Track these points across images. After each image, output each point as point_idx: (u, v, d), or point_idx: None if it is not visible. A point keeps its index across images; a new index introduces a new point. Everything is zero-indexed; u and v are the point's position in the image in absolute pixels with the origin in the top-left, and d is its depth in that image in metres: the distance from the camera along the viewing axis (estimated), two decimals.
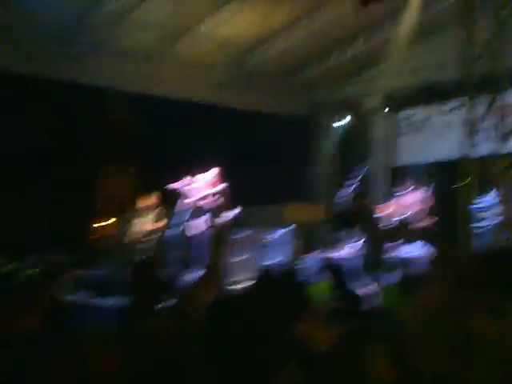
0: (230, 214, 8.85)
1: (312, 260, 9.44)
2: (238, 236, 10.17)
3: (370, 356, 2.37)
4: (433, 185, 10.08)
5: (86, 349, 2.35)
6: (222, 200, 7.96)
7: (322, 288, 6.48)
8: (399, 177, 10.91)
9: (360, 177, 9.06)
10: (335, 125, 12.49)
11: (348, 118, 12.21)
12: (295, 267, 6.86)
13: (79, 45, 9.10)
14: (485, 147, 8.56)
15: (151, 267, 3.69)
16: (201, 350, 2.11)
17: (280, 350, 2.48)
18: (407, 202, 10.12)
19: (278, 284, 4.23)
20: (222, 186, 8.00)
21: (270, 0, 8.76)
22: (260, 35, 9.35)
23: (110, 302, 5.30)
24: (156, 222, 9.46)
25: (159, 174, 11.49)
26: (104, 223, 13.06)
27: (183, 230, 8.21)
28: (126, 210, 12.45)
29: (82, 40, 9.02)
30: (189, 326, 2.77)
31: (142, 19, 8.69)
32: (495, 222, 8.46)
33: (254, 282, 4.21)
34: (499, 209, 8.44)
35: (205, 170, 8.15)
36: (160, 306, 3.50)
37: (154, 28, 9.06)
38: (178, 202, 8.09)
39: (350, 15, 8.77)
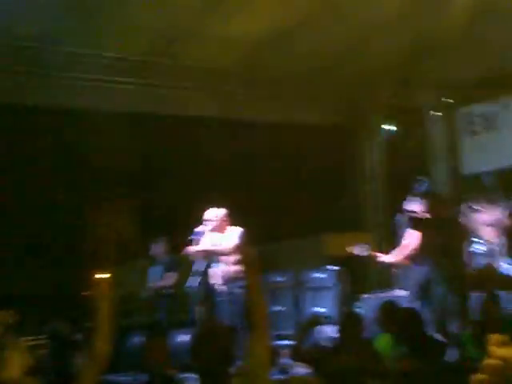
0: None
1: (368, 305, 9.04)
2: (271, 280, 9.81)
3: None
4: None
5: None
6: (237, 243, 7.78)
7: (383, 343, 6.08)
8: (469, 189, 10.45)
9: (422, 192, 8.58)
10: (382, 133, 12.07)
11: (397, 123, 11.78)
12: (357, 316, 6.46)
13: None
14: None
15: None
16: None
17: None
18: (486, 225, 9.67)
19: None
20: (234, 230, 7.86)
21: None
22: (277, 31, 9.05)
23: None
24: (169, 271, 9.23)
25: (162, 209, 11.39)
26: (101, 275, 12.82)
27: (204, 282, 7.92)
28: (126, 258, 12.34)
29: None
30: None
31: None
32: None
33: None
34: None
35: (216, 204, 7.82)
36: None
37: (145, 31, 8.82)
38: (189, 249, 7.75)
39: None
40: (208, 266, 8.14)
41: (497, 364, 1.40)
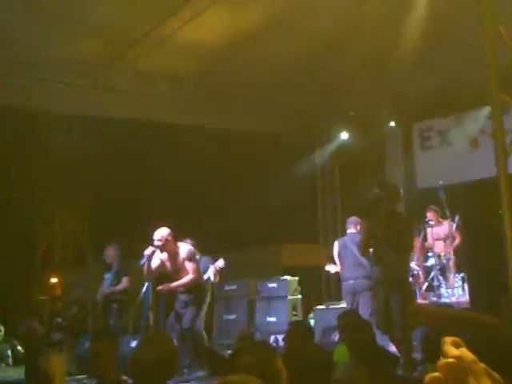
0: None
1: (321, 316, 8.97)
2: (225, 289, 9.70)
3: None
4: (459, 214, 9.65)
5: None
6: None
7: (341, 353, 5.98)
8: (418, 204, 10.43)
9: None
10: (334, 145, 12.03)
11: (350, 136, 11.74)
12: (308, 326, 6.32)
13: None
14: None
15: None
16: None
17: None
18: (434, 238, 9.70)
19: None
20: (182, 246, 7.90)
21: None
22: (233, 40, 8.95)
23: None
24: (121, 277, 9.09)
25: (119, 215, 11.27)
26: (53, 279, 12.67)
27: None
28: (79, 263, 12.18)
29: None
30: None
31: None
32: None
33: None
34: None
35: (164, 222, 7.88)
36: None
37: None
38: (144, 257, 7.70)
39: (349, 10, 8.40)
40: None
41: (452, 362, 1.29)
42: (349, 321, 6.15)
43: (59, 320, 8.84)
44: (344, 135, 11.85)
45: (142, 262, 7.76)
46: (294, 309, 9.86)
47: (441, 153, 11.18)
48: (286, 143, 11.64)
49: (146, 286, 8.07)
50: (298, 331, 5.43)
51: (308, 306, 10.09)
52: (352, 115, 11.39)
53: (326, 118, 11.87)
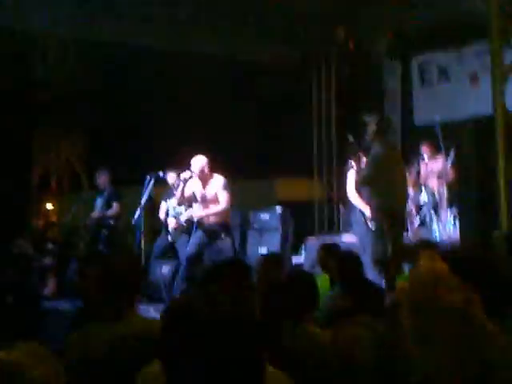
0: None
1: (310, 249, 8.92)
2: None
3: None
4: (454, 149, 9.49)
5: None
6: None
7: (321, 284, 5.93)
8: (415, 140, 10.25)
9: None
10: (335, 77, 11.76)
11: (350, 68, 11.46)
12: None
13: None
14: None
15: None
16: None
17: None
18: (428, 173, 9.56)
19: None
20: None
21: None
22: None
23: None
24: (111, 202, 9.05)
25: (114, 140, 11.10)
26: (48, 205, 12.61)
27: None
28: (75, 189, 12.10)
29: None
30: None
31: None
32: None
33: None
34: None
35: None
36: None
37: None
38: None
39: None
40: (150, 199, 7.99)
41: (422, 271, 1.20)
42: (337, 250, 6.11)
43: (50, 246, 8.81)
44: (344, 70, 11.57)
45: (177, 184, 7.84)
46: (286, 241, 9.81)
47: (439, 88, 10.94)
48: (285, 76, 11.40)
49: (138, 212, 8.04)
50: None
51: (300, 239, 10.03)
52: (351, 48, 11.06)
53: (326, 51, 11.59)
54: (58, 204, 12.59)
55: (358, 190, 7.29)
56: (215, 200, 7.74)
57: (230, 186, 7.86)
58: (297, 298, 3.24)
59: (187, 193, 7.76)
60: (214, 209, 7.73)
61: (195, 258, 7.59)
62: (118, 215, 9.02)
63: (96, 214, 9.20)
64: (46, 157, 12.62)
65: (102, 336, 2.90)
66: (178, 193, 7.79)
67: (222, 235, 7.82)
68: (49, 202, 12.66)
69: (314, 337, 3.13)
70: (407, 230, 8.94)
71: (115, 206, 9.07)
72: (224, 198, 7.71)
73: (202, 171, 7.62)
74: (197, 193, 7.80)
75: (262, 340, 1.82)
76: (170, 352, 1.89)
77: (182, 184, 7.70)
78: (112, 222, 9.01)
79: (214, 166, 7.92)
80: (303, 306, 3.28)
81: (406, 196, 7.38)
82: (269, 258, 5.42)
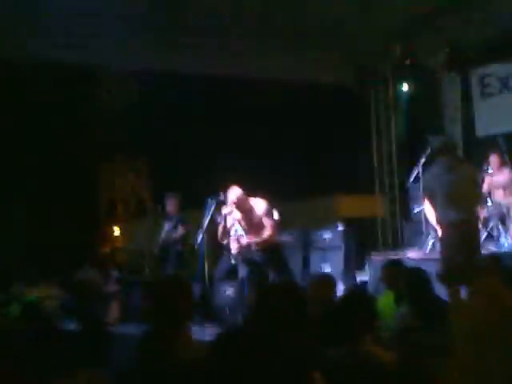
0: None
1: (376, 265, 8.78)
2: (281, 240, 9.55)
3: None
4: None
5: None
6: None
7: (386, 302, 5.81)
8: (480, 152, 10.03)
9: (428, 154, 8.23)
10: (396, 94, 11.65)
11: (408, 84, 11.32)
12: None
13: None
14: None
15: None
16: None
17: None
18: (493, 186, 9.32)
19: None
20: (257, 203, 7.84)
21: None
22: None
23: None
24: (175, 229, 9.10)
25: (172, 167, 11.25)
26: (115, 231, 12.86)
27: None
28: (139, 214, 12.30)
29: None
30: None
31: None
32: None
33: None
34: None
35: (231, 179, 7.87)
36: None
37: None
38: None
39: None
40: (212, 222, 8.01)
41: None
42: (404, 267, 5.99)
43: (116, 273, 8.94)
44: (402, 86, 11.45)
45: (218, 220, 7.79)
46: (349, 259, 9.69)
47: (501, 100, 10.69)
48: (343, 93, 11.36)
49: (200, 236, 8.08)
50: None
51: (363, 256, 9.89)
52: (409, 64, 10.94)
53: (383, 67, 11.51)
54: (124, 230, 12.81)
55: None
56: (261, 225, 7.70)
57: (271, 209, 7.81)
58: (352, 321, 3.18)
59: (229, 226, 7.77)
60: (262, 236, 7.69)
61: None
62: (182, 238, 9.04)
63: (162, 237, 9.27)
64: (113, 184, 12.89)
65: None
66: (219, 229, 7.80)
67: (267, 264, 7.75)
68: (115, 228, 12.90)
69: (374, 358, 3.07)
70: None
71: (180, 228, 9.12)
72: (268, 223, 7.69)
73: (237, 202, 7.60)
74: (240, 223, 7.79)
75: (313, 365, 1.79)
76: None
77: (222, 220, 7.72)
78: (179, 248, 9.08)
79: (253, 192, 7.89)
80: (359, 328, 3.21)
81: (473, 209, 7.18)
82: (320, 280, 5.35)
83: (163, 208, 9.51)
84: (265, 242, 7.70)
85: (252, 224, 7.74)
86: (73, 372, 2.19)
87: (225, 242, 7.95)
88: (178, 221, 9.23)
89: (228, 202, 7.65)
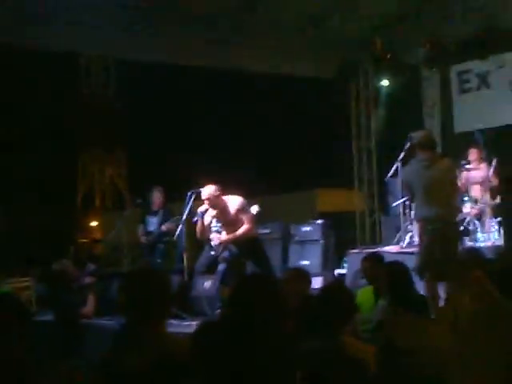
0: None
1: (353, 260, 8.79)
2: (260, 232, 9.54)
3: None
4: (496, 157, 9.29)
5: None
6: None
7: (365, 296, 5.81)
8: (458, 147, 10.08)
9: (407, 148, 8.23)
10: (375, 88, 11.66)
11: (388, 79, 11.35)
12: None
13: None
14: None
15: None
16: None
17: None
18: (470, 181, 9.36)
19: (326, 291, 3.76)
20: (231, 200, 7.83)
21: None
22: None
23: None
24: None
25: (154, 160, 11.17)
26: (92, 223, 12.74)
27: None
28: (119, 207, 12.19)
29: None
30: None
31: None
32: None
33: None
34: None
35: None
36: None
37: None
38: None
39: None
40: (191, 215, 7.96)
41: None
42: (384, 261, 5.98)
43: (92, 266, 8.84)
44: (382, 81, 11.48)
45: (195, 220, 7.80)
46: (328, 253, 9.72)
47: (479, 96, 10.76)
48: (323, 87, 11.35)
49: (179, 228, 8.05)
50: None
51: (341, 251, 9.91)
52: (389, 59, 10.95)
53: (362, 61, 11.52)
54: (101, 221, 12.71)
55: None
56: (237, 220, 7.73)
57: (247, 204, 7.84)
58: (331, 312, 3.15)
59: (207, 223, 7.78)
60: (239, 231, 7.70)
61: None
62: (173, 231, 8.87)
63: (151, 231, 9.17)
64: (90, 176, 12.77)
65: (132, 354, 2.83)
66: (198, 227, 7.80)
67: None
68: (93, 219, 12.79)
69: (352, 350, 3.04)
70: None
71: (169, 222, 8.98)
72: (244, 218, 7.71)
73: (211, 199, 7.61)
74: (217, 220, 7.80)
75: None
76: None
77: (199, 218, 7.73)
78: (165, 240, 9.02)
79: (227, 190, 7.86)
80: (338, 319, 3.19)
81: (452, 204, 7.19)
82: (294, 273, 5.33)
83: (144, 200, 9.42)
84: (242, 236, 7.71)
85: (227, 220, 7.75)
86: (54, 365, 2.14)
87: (204, 238, 7.94)
88: (166, 214, 9.14)
89: (204, 199, 7.66)
